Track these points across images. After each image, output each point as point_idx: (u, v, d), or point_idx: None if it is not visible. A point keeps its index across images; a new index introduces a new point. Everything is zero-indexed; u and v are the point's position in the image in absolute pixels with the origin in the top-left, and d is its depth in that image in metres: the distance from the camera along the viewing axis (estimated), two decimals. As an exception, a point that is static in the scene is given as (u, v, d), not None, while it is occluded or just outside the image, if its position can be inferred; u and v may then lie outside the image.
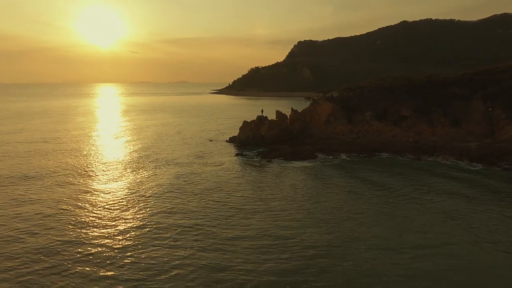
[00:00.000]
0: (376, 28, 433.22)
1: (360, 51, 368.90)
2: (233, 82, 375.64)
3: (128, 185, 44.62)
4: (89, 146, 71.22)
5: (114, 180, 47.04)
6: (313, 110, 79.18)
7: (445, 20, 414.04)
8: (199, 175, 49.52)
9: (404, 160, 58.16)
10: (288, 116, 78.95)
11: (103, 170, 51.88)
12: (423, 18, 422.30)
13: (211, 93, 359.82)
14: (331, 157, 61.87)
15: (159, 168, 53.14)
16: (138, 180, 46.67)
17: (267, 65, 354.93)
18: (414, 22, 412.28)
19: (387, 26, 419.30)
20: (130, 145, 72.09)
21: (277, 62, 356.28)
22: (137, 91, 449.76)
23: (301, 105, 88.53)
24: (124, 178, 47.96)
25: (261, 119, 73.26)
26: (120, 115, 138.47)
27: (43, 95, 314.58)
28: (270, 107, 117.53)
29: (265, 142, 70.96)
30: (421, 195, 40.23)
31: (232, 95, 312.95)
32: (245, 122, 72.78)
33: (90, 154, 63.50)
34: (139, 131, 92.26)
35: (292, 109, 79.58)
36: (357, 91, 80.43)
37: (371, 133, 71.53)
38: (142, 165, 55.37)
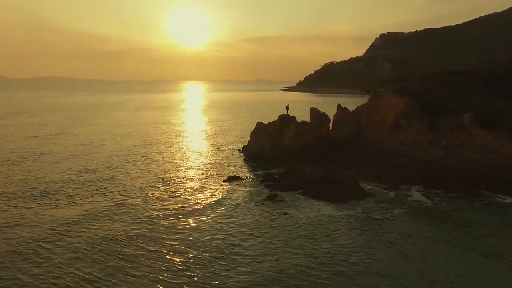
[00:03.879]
0: (477, 17, 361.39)
1: (454, 43, 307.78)
2: (304, 79, 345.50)
3: None
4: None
5: None
6: (373, 108, 49.58)
7: None
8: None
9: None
10: (332, 117, 50.64)
11: None
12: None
13: (281, 90, 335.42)
14: (394, 194, 33.22)
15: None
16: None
17: (342, 60, 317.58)
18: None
19: (491, 14, 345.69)
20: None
21: (353, 57, 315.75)
22: (217, 88, 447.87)
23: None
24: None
25: (285, 121, 46.51)
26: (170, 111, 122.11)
27: (143, 91, 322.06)
28: (331, 106, 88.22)
29: (289, 155, 44.30)
30: None
31: (302, 92, 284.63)
32: (260, 125, 46.76)
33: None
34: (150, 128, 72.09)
35: (339, 107, 50.93)
36: (447, 80, 48.47)
37: (471, 149, 39.91)
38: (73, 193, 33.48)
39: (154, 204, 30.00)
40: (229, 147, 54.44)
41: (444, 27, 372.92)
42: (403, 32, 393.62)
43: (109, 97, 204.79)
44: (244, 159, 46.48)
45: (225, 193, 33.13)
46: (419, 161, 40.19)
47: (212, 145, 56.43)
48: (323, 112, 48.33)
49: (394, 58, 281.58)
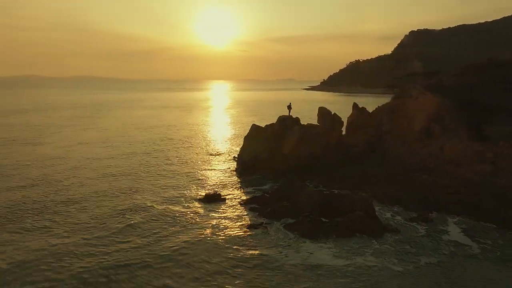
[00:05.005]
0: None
1: (492, 39, 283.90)
2: (328, 78, 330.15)
3: None
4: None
5: None
6: (397, 109, 39.51)
7: None
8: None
9: None
10: (347, 120, 40.99)
11: None
12: None
13: (304, 89, 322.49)
14: (422, 228, 23.67)
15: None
16: None
17: (368, 58, 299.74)
18: None
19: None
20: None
21: (380, 55, 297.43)
22: (241, 87, 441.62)
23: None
24: None
25: (286, 123, 37.35)
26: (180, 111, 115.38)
27: (168, 89, 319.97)
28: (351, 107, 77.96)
29: (290, 166, 35.22)
30: None
31: (325, 91, 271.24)
32: (255, 128, 37.81)
33: None
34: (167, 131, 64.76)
35: (356, 106, 41.12)
36: (496, 72, 37.67)
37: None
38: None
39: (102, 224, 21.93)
40: (224, 153, 45.87)
41: (480, 23, 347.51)
42: (434, 29, 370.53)
43: (134, 95, 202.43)
44: (235, 169, 37.76)
45: (193, 220, 24.58)
46: (459, 180, 29.95)
47: (205, 151, 48.03)
48: (334, 113, 38.70)
49: (425, 56, 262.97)
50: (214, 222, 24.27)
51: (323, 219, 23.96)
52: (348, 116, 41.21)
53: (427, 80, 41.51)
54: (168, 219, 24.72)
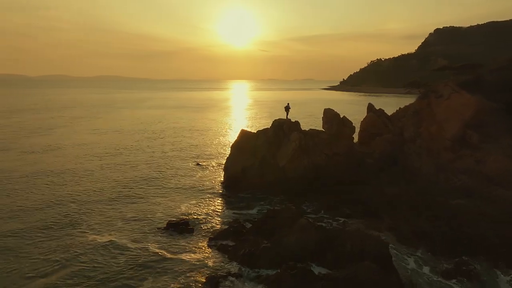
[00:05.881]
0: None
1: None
2: (348, 77, 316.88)
3: None
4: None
5: None
6: (424, 111, 31.38)
7: None
8: None
9: None
10: (360, 124, 33.14)
11: None
12: None
13: (323, 89, 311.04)
14: (459, 287, 15.51)
15: None
16: None
17: (390, 57, 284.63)
18: None
19: None
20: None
21: (403, 54, 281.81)
22: (260, 87, 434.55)
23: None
24: None
25: (282, 128, 29.94)
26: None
27: (189, 89, 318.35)
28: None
29: (286, 182, 28.02)
30: None
31: (345, 90, 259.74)
32: (244, 134, 30.58)
33: None
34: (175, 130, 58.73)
35: (371, 108, 33.20)
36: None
37: None
38: None
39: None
40: (215, 162, 38.88)
41: (511, 19, 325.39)
42: (461, 27, 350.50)
43: (151, 94, 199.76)
44: (221, 182, 30.76)
45: (134, 262, 17.73)
46: (509, 207, 21.78)
47: (196, 158, 41.19)
48: (344, 116, 30.95)
49: (451, 54, 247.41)
50: (159, 269, 17.28)
51: (317, 271, 16.58)
52: (362, 119, 33.35)
53: (462, 75, 33.02)
54: (100, 260, 17.96)
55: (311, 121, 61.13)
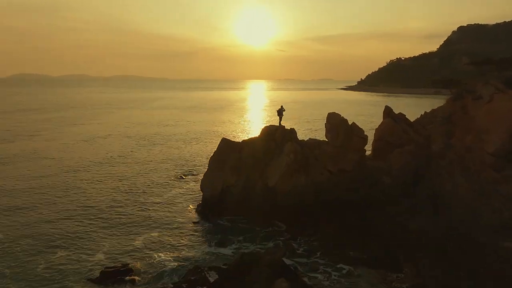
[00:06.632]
0: None
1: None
2: (366, 77, 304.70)
3: None
4: None
5: None
6: (457, 117, 24.14)
7: None
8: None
9: None
10: (375, 132, 26.23)
11: None
12: None
13: (339, 89, 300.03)
14: None
15: None
16: None
17: (411, 56, 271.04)
18: None
19: None
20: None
21: (424, 53, 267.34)
22: (277, 87, 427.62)
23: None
24: None
25: (274, 138, 23.43)
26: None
27: (206, 89, 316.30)
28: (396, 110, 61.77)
29: (278, 207, 21.59)
30: None
31: (362, 91, 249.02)
32: (225, 144, 24.22)
33: None
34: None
35: (388, 112, 26.12)
36: None
37: None
38: None
39: None
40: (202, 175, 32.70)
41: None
42: (486, 24, 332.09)
43: (167, 94, 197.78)
44: (197, 206, 24.58)
45: None
46: None
47: (179, 172, 34.76)
48: (353, 123, 24.22)
49: (475, 52, 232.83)
50: None
51: None
52: (377, 126, 26.49)
53: (507, 71, 25.68)
54: None
55: (321, 125, 54.25)
